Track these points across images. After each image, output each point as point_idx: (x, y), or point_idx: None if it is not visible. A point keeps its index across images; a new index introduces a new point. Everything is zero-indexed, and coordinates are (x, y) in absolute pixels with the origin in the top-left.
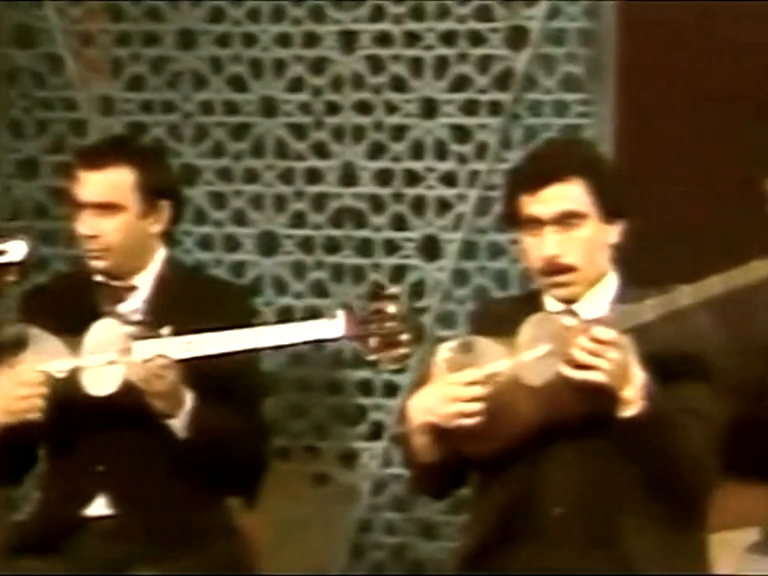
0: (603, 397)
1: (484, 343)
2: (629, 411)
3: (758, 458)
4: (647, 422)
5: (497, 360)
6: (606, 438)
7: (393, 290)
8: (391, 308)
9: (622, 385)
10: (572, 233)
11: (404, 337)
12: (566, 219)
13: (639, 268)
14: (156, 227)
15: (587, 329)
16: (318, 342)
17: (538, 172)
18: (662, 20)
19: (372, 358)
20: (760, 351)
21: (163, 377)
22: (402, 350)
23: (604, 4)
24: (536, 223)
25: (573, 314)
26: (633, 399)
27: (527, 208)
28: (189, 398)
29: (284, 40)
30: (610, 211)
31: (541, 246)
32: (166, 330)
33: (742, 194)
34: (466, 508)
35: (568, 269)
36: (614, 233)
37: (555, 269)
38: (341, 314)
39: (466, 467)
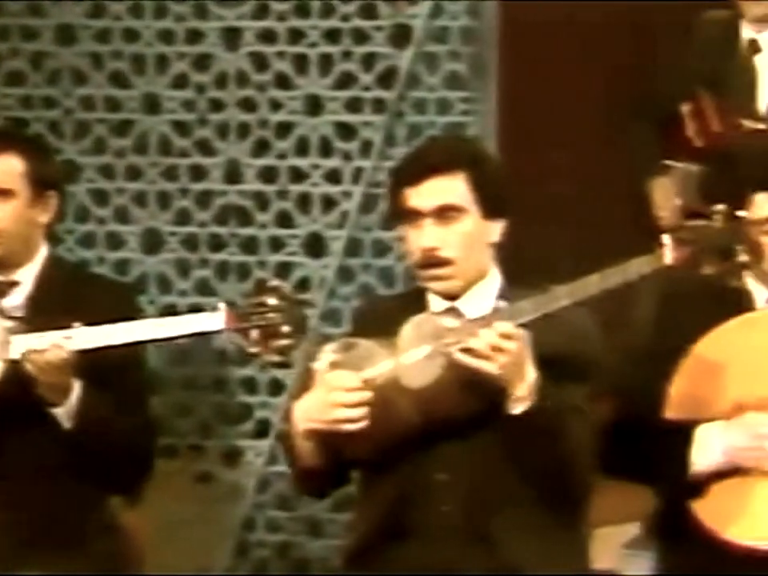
0: (490, 395)
1: (366, 345)
2: (519, 408)
3: (640, 457)
4: (536, 420)
5: (378, 362)
6: (491, 436)
7: (274, 282)
8: (272, 300)
9: (516, 381)
10: (451, 226)
11: (286, 328)
12: (446, 212)
13: (522, 265)
14: (44, 217)
15: (470, 330)
16: (200, 335)
17: (420, 165)
18: (544, 19)
19: (253, 350)
20: (638, 350)
21: (61, 368)
22: (284, 342)
23: (486, 3)
24: (416, 215)
25: (456, 312)
26: (524, 396)
27: (408, 200)
28: (76, 386)
29: (167, 36)
30: (491, 208)
31: (420, 238)
32: (77, 324)
33: (624, 192)
34: (351, 506)
35: (445, 262)
36: (495, 231)
37: (432, 261)
38: (222, 307)
39: (348, 467)
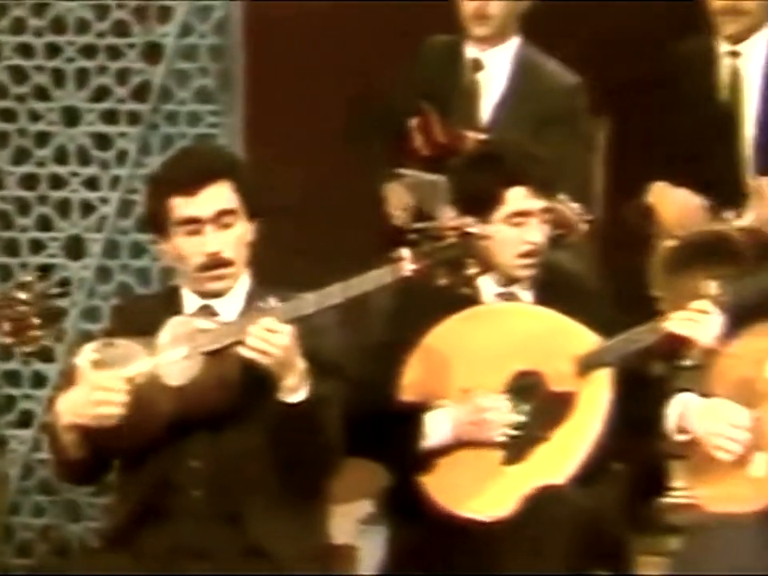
0: (249, 390)
1: (126, 344)
2: (293, 397)
3: (376, 437)
4: (304, 408)
5: (138, 360)
6: (242, 426)
7: (26, 278)
8: (23, 295)
9: (288, 372)
10: (228, 230)
11: (36, 320)
12: (223, 217)
13: (267, 266)
14: None
15: (224, 333)
16: None
17: (191, 175)
18: (289, 36)
19: (6, 341)
20: (374, 348)
21: None
22: (35, 332)
23: (232, 21)
24: (195, 223)
25: (210, 310)
26: (295, 386)
27: (184, 209)
28: None
29: None
30: (252, 211)
31: (203, 244)
32: None
33: (363, 198)
34: (110, 490)
35: (228, 263)
36: (252, 231)
37: (216, 263)
38: None
39: (109, 457)
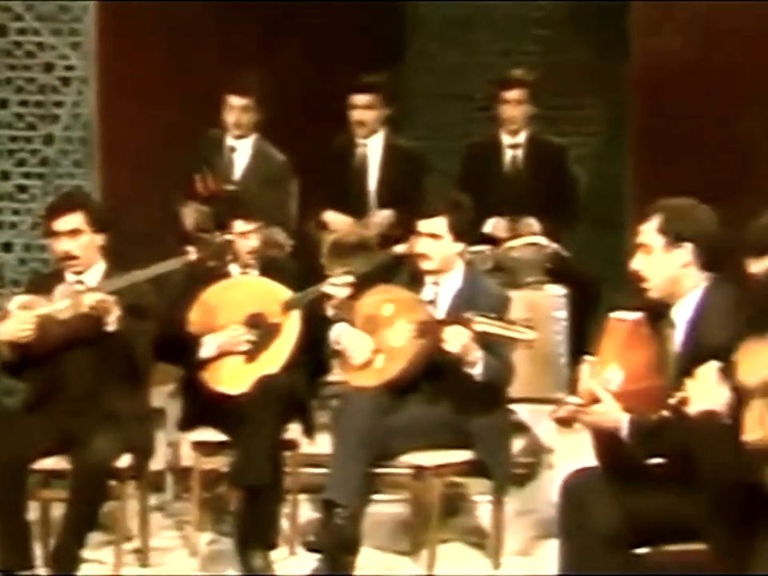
0: (92, 326)
1: (37, 298)
2: (111, 328)
3: (175, 352)
4: (119, 336)
5: (42, 306)
6: (97, 344)
7: None
8: None
9: (107, 316)
10: (76, 239)
11: None
12: (73, 233)
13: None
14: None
15: (91, 290)
16: None
17: (56, 208)
18: (132, 131)
19: None
20: (174, 301)
21: None
22: None
23: (93, 122)
24: (58, 234)
25: (81, 283)
26: (113, 323)
27: (53, 227)
28: None
29: None
30: (99, 228)
31: (60, 246)
32: None
33: (171, 217)
34: (26, 380)
35: (73, 258)
36: (102, 239)
37: (66, 258)
38: None
39: (28, 359)
